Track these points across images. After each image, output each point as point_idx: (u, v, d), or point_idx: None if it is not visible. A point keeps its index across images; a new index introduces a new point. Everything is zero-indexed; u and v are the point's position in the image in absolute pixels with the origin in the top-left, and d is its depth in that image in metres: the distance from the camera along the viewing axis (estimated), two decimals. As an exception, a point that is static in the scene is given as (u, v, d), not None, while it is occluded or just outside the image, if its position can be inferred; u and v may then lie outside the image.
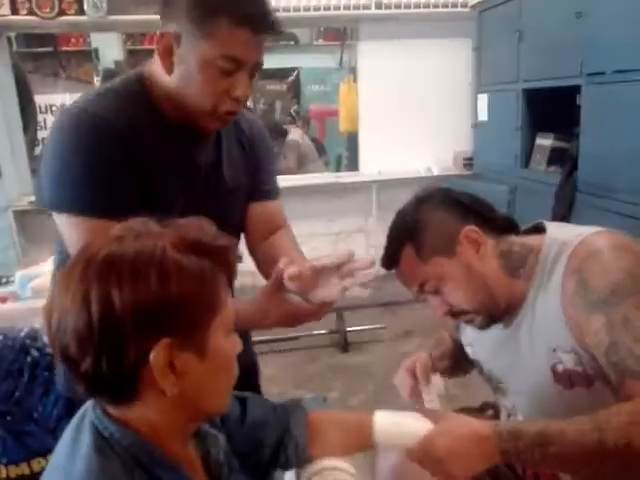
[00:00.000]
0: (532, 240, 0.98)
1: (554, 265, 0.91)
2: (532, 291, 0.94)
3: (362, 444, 0.93)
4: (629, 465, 0.75)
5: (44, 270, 1.50)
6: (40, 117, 5.30)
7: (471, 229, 0.94)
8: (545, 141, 2.72)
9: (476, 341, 1.09)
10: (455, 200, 0.98)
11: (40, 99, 5.03)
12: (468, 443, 0.81)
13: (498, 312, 0.97)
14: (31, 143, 3.96)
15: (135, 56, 6.34)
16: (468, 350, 1.14)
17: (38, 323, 1.32)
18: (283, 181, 4.05)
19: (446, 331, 1.27)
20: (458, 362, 1.21)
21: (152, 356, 0.57)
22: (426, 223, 0.95)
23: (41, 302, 1.28)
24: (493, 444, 0.80)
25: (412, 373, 1.10)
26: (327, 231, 3.67)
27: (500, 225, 0.99)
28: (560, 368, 0.90)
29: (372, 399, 2.48)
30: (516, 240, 0.99)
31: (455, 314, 0.98)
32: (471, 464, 0.82)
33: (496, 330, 1.01)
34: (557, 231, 0.97)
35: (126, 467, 0.60)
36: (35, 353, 1.37)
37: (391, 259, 0.99)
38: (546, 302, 0.92)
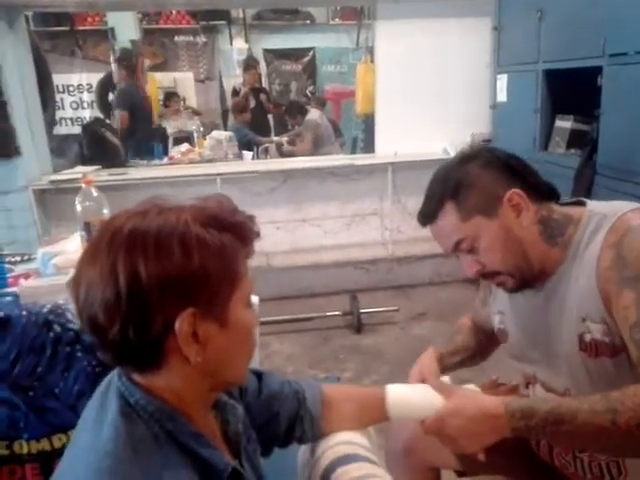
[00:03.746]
0: (572, 210, 0.97)
1: (592, 237, 0.91)
2: (567, 260, 0.94)
3: (375, 417, 0.95)
4: (638, 444, 0.77)
5: (66, 247, 1.53)
6: (57, 97, 5.35)
7: (515, 192, 0.93)
8: (565, 123, 2.67)
9: (507, 309, 1.10)
10: (501, 161, 0.96)
11: (57, 79, 5.06)
12: (480, 422, 0.83)
13: (531, 277, 0.97)
14: (50, 122, 3.99)
15: (150, 35, 6.34)
16: (496, 319, 1.13)
17: (62, 299, 1.35)
18: (298, 163, 4.06)
19: (468, 317, 1.28)
20: (471, 355, 1.22)
21: (177, 325, 0.60)
22: (471, 182, 0.94)
23: (64, 278, 1.31)
24: (505, 423, 0.81)
25: (421, 381, 1.08)
26: (342, 213, 3.67)
27: (543, 191, 0.98)
28: (588, 337, 0.91)
29: (385, 380, 2.48)
30: (557, 208, 0.98)
31: (487, 274, 0.98)
32: (483, 440, 0.84)
33: (527, 298, 1.02)
34: (598, 204, 0.97)
35: (152, 432, 0.62)
36: (58, 328, 1.40)
37: (430, 214, 0.97)
38: (580, 272, 0.92)
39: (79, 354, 1.44)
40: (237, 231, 0.65)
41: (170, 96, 5.77)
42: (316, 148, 4.77)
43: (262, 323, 2.63)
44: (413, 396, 0.92)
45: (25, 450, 1.67)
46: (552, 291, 0.97)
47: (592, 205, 0.97)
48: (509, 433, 0.82)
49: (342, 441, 0.89)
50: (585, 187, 2.33)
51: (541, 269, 0.97)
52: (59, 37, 5.93)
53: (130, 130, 4.68)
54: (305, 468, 0.94)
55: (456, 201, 0.94)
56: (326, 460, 0.86)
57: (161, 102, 5.66)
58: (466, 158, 0.98)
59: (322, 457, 0.88)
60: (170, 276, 0.59)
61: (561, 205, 1.00)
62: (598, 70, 2.24)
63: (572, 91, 2.59)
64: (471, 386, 0.99)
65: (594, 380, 0.93)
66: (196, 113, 5.75)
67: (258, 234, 0.68)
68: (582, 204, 0.99)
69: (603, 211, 0.93)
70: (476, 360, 1.25)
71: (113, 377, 0.68)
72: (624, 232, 0.87)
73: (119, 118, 4.65)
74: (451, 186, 0.95)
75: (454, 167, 0.98)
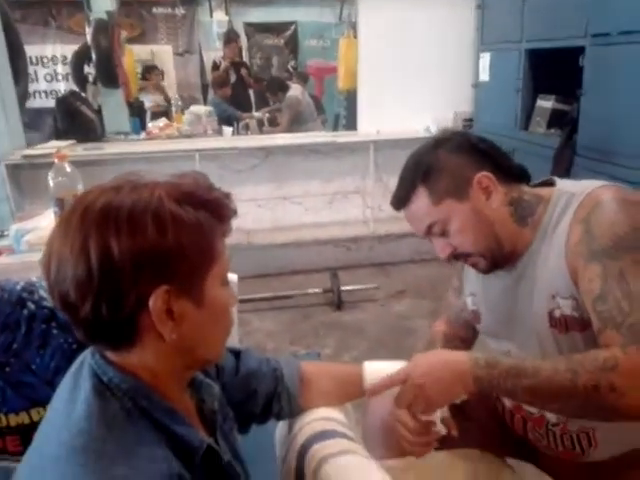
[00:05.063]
0: (542, 191, 0.99)
1: (561, 215, 0.93)
2: (537, 239, 0.96)
3: (353, 393, 0.96)
4: (593, 405, 0.79)
5: (39, 224, 1.50)
6: (31, 69, 5.17)
7: (484, 175, 0.95)
8: (546, 103, 2.68)
9: (479, 290, 1.12)
10: (472, 145, 0.98)
11: (30, 50, 4.89)
12: (444, 367, 0.86)
13: (502, 257, 0.99)
14: (23, 95, 3.85)
15: (127, 6, 6.14)
16: (469, 301, 1.16)
17: (34, 276, 1.32)
18: (279, 139, 4.02)
19: (442, 320, 1.27)
20: None
21: (151, 302, 0.59)
22: (441, 166, 0.96)
23: (36, 255, 1.29)
24: (468, 368, 0.84)
25: None
26: (324, 191, 3.66)
27: (513, 173, 1.00)
28: (557, 313, 0.93)
29: (365, 356, 2.53)
30: (527, 189, 1.00)
31: (459, 256, 1.00)
32: (448, 388, 0.86)
33: (499, 278, 1.04)
34: (567, 184, 0.98)
35: (125, 409, 0.62)
36: (32, 306, 1.37)
37: (402, 199, 0.99)
38: (550, 251, 0.94)
39: (55, 331, 1.42)
40: (213, 208, 0.64)
41: (150, 69, 5.62)
42: (297, 125, 4.72)
43: (242, 301, 2.63)
44: (390, 372, 0.93)
45: (4, 423, 1.66)
46: (523, 271, 0.99)
47: (561, 184, 0.99)
48: (472, 382, 0.84)
49: (319, 417, 0.90)
50: (564, 167, 2.35)
51: (512, 250, 0.98)
52: (31, 6, 5.71)
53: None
54: (282, 445, 0.94)
55: (427, 185, 0.96)
56: (303, 436, 0.87)
57: (139, 75, 5.51)
58: (438, 143, 1.00)
59: (299, 433, 0.88)
60: (143, 252, 0.58)
61: (532, 186, 1.02)
62: (580, 50, 2.24)
63: (554, 71, 2.60)
64: None
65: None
66: (167, 100, 5.50)
67: (235, 212, 0.67)
68: (552, 184, 1.01)
69: (571, 190, 0.95)
70: None
71: (86, 355, 0.67)
72: (592, 207, 0.88)
73: None
74: (422, 170, 0.96)
75: (426, 152, 0.99)
